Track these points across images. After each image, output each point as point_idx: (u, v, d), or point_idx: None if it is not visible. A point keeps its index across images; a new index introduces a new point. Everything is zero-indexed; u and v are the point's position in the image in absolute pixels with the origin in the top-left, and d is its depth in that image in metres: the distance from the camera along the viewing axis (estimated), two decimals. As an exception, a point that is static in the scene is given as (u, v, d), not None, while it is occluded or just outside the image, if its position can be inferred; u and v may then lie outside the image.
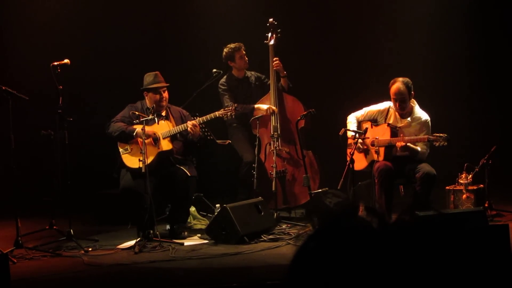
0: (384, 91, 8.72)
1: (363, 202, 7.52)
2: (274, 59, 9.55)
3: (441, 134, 8.23)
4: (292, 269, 1.41)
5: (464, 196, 8.91)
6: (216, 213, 8.44)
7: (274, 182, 9.11)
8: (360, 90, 10.56)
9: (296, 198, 9.58)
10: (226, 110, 8.72)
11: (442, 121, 8.86)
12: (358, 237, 1.37)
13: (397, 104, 8.57)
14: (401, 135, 8.53)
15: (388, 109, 8.78)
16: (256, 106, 9.51)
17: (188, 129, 8.49)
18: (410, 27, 11.57)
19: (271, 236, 8.17)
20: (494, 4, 11.56)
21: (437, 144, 8.23)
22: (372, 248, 1.35)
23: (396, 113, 8.72)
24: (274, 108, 9.45)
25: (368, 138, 8.64)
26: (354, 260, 1.34)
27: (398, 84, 8.51)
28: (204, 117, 8.65)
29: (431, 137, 8.31)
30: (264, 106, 9.47)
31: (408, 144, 8.40)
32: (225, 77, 9.72)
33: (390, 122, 8.69)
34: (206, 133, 9.17)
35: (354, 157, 8.38)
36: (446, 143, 8.18)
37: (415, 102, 8.74)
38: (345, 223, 1.41)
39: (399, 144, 8.39)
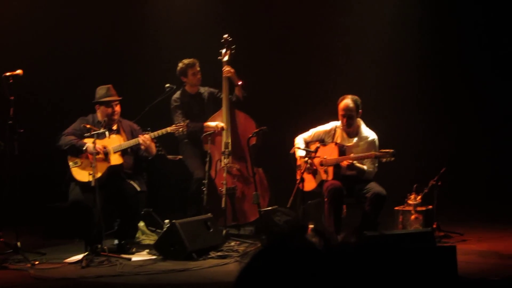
0: (334, 110, 8.80)
1: (312, 221, 7.64)
2: (226, 66, 9.60)
3: (387, 150, 8.33)
4: (236, 286, 1.45)
5: (413, 216, 8.96)
6: (165, 229, 8.44)
7: (224, 198, 9.12)
8: (311, 108, 10.65)
9: (246, 215, 9.61)
10: (178, 126, 8.74)
11: (392, 142, 8.89)
12: (303, 258, 1.40)
13: (344, 120, 8.68)
14: (349, 154, 8.60)
15: (335, 129, 8.88)
16: (205, 124, 9.54)
17: (140, 141, 8.47)
18: (362, 46, 11.71)
19: (219, 253, 8.17)
20: (445, 23, 11.72)
21: (384, 160, 8.33)
22: (315, 270, 1.37)
23: (343, 133, 8.82)
24: (222, 124, 9.48)
25: (318, 157, 8.66)
26: (297, 280, 1.36)
27: (347, 101, 8.65)
28: (155, 132, 8.64)
29: (377, 153, 8.42)
30: (212, 123, 9.50)
31: (354, 162, 8.48)
32: (178, 92, 9.74)
33: (338, 141, 8.77)
34: (157, 148, 9.10)
35: (304, 177, 8.39)
36: (393, 159, 8.28)
37: (362, 122, 8.84)
38: (290, 244, 1.44)
39: (345, 163, 8.49)
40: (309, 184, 8.73)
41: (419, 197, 9.02)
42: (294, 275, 1.37)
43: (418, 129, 11.77)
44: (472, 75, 11.71)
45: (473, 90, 11.72)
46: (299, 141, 8.93)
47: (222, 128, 9.49)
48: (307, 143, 8.92)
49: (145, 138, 8.51)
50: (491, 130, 11.68)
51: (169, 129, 8.69)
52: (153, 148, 8.67)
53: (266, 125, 9.18)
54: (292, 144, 8.97)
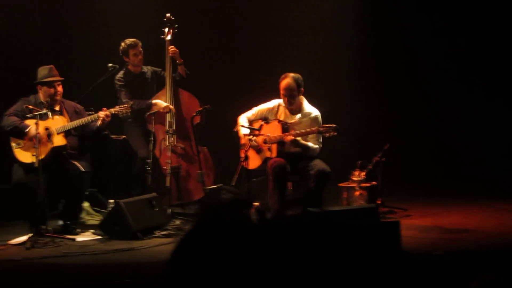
0: (277, 88, 8.84)
1: (257, 199, 7.66)
2: (170, 46, 9.58)
3: (330, 125, 8.36)
4: (170, 261, 1.47)
5: (357, 193, 9.05)
6: (109, 209, 8.51)
7: (168, 178, 9.15)
8: (254, 87, 10.76)
9: (190, 194, 9.65)
10: (122, 107, 8.68)
11: (336, 119, 8.89)
12: (235, 231, 1.41)
13: (286, 99, 8.73)
14: (292, 131, 8.63)
15: (278, 107, 8.90)
16: (154, 101, 9.52)
17: (101, 118, 8.44)
18: (304, 26, 11.81)
19: (164, 232, 8.21)
20: (387, 2, 11.91)
21: (328, 134, 8.35)
22: (249, 243, 1.39)
23: (286, 110, 8.85)
24: (171, 107, 9.50)
25: (261, 135, 8.70)
26: (230, 254, 1.38)
27: (288, 80, 8.66)
28: (97, 114, 8.59)
29: (320, 128, 8.44)
30: (162, 103, 9.49)
31: (297, 139, 8.52)
32: (121, 72, 9.68)
33: (281, 119, 8.81)
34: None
35: (248, 155, 8.42)
36: (335, 133, 8.30)
37: (304, 99, 8.88)
38: (224, 217, 1.45)
39: (288, 138, 8.50)
40: (253, 162, 8.78)
41: (363, 173, 9.12)
42: (227, 248, 1.39)
43: (361, 106, 11.91)
44: (415, 51, 11.92)
45: (418, 66, 11.94)
46: (243, 120, 8.95)
47: (170, 110, 9.49)
48: (251, 122, 8.93)
49: (106, 115, 8.49)
50: (434, 106, 11.93)
51: (112, 110, 8.62)
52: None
53: (210, 103, 9.20)
54: (235, 123, 9.00)
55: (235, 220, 1.44)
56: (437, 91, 11.95)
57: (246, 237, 1.40)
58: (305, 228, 1.43)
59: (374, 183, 9.18)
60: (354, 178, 9.14)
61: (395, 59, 11.96)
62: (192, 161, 9.62)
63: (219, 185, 9.19)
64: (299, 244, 1.39)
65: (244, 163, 8.32)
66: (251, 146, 8.59)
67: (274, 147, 8.71)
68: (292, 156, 8.66)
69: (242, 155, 8.45)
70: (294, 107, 8.83)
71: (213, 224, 1.45)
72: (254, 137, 8.60)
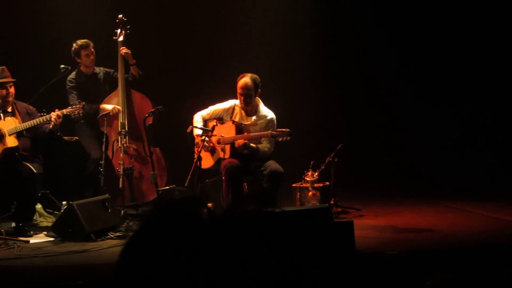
0: (232, 89, 8.89)
1: (210, 200, 7.64)
2: (122, 47, 9.60)
3: (284, 130, 8.39)
4: (119, 261, 1.46)
5: (310, 193, 9.11)
6: (62, 211, 8.43)
7: (121, 179, 9.12)
8: (207, 87, 10.86)
9: (144, 195, 9.67)
10: (74, 108, 8.67)
11: (289, 120, 9.07)
12: (185, 229, 1.39)
13: (242, 99, 8.75)
14: (246, 133, 8.67)
15: (233, 107, 8.92)
16: (101, 106, 9.51)
17: (52, 119, 8.42)
18: (259, 25, 11.87)
19: (118, 234, 8.20)
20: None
21: (281, 139, 8.37)
22: (198, 241, 1.37)
23: (242, 111, 8.89)
24: (118, 107, 9.46)
25: (215, 136, 8.73)
26: (177, 252, 1.36)
27: (245, 79, 8.70)
28: (49, 115, 8.56)
29: (274, 132, 8.45)
30: (109, 106, 9.47)
31: (246, 142, 8.55)
32: (73, 73, 9.66)
33: (236, 119, 8.84)
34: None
35: (201, 155, 8.42)
36: (289, 138, 8.34)
37: (260, 101, 8.93)
38: (173, 216, 1.44)
39: (239, 142, 8.55)
40: (207, 162, 8.82)
41: (316, 173, 9.19)
42: (176, 247, 1.37)
43: (314, 107, 11.99)
44: (366, 48, 12.02)
45: (369, 64, 12.02)
46: (198, 118, 8.98)
47: (118, 111, 9.46)
48: (205, 121, 8.97)
49: (57, 115, 8.46)
50: (386, 106, 12.02)
51: (64, 111, 8.60)
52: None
53: (163, 104, 9.17)
54: (190, 122, 9.02)
55: (184, 218, 1.43)
56: (388, 89, 12.06)
57: (196, 235, 1.39)
58: (257, 227, 1.42)
59: (327, 183, 9.25)
60: (307, 178, 9.20)
61: (346, 56, 12.06)
62: (145, 162, 9.60)
63: (172, 186, 9.12)
64: (250, 243, 1.38)
65: (197, 163, 8.31)
66: (204, 146, 8.61)
67: (228, 147, 8.74)
68: (245, 156, 8.70)
69: (196, 155, 8.46)
70: (250, 108, 8.86)
71: (162, 222, 1.44)
72: (207, 138, 8.62)
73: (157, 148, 9.72)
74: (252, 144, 8.64)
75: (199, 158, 8.37)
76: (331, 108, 12.05)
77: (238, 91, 8.77)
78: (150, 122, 9.47)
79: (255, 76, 8.79)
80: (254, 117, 8.87)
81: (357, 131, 11.88)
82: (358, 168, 11.41)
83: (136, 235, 1.48)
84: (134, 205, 9.58)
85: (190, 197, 1.79)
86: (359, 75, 12.07)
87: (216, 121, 8.81)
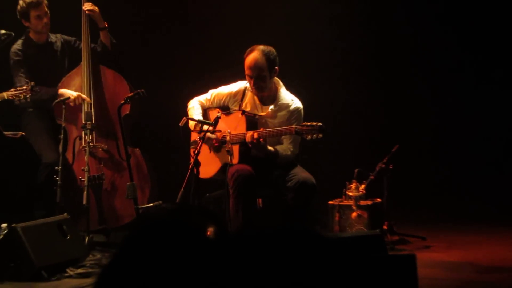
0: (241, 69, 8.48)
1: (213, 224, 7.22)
2: (87, 3, 9.50)
3: (313, 123, 7.91)
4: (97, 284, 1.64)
5: (355, 214, 8.92)
6: (1, 237, 7.94)
7: (85, 192, 8.71)
8: (209, 65, 10.74)
9: (117, 215, 9.45)
10: (19, 90, 8.56)
11: (323, 113, 8.82)
12: (180, 248, 1.57)
13: (252, 82, 8.30)
14: (262, 128, 8.21)
15: (243, 91, 8.56)
16: (60, 91, 9.33)
17: None
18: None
19: (80, 270, 7.83)
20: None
21: (309, 137, 7.91)
22: (199, 262, 1.53)
23: (256, 98, 8.49)
24: (84, 96, 9.31)
25: (219, 131, 8.30)
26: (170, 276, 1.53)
27: (255, 54, 8.25)
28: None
29: (299, 127, 8.00)
30: (72, 93, 9.26)
31: (261, 139, 8.09)
32: (19, 42, 9.49)
33: (247, 109, 8.44)
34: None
35: (200, 158, 7.87)
36: (321, 135, 7.87)
37: (281, 83, 8.53)
38: (165, 232, 1.62)
39: (249, 136, 8.07)
40: (207, 169, 8.38)
41: (363, 186, 8.99)
42: (169, 277, 1.52)
43: (358, 97, 11.72)
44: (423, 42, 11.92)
45: (423, 55, 11.91)
46: (194, 104, 8.62)
47: (83, 100, 9.31)
48: (205, 110, 8.65)
49: None
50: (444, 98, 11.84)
51: (5, 94, 8.53)
52: None
53: (145, 87, 8.72)
54: (183, 112, 8.60)
55: (180, 237, 1.58)
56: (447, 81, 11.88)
57: (196, 256, 1.53)
58: (280, 250, 1.53)
59: (378, 200, 9.06)
60: (350, 193, 9.00)
61: (394, 46, 11.91)
62: (119, 169, 9.43)
63: (157, 202, 8.68)
64: (274, 272, 1.49)
65: (194, 170, 7.81)
66: (210, 145, 8.38)
67: (236, 149, 8.31)
68: (262, 162, 8.26)
69: (192, 156, 7.98)
70: (266, 94, 8.46)
71: (148, 245, 1.59)
72: (207, 134, 8.13)
73: (137, 149, 9.56)
74: (269, 147, 8.19)
75: (197, 164, 7.81)
76: (383, 99, 11.85)
77: (246, 72, 8.31)
78: (127, 112, 9.28)
79: (269, 48, 8.30)
80: (271, 106, 8.44)
81: (419, 126, 11.71)
82: (422, 178, 11.25)
83: (110, 266, 1.61)
84: (103, 229, 9.31)
85: (189, 208, 2.11)
86: (413, 61, 11.89)
87: (220, 111, 8.33)
